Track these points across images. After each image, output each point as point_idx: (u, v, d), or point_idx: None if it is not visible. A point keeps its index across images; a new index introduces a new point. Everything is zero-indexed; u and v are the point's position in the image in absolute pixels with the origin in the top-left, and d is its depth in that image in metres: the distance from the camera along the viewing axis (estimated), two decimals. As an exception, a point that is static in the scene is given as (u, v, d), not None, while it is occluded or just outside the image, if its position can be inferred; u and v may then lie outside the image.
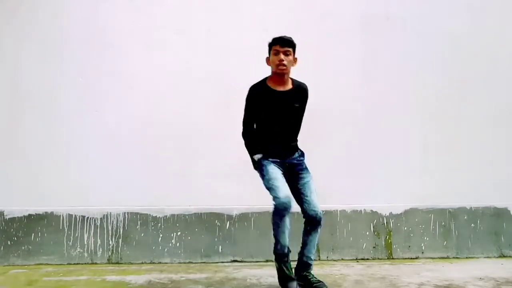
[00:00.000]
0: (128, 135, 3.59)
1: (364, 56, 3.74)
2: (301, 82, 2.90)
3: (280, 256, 2.75)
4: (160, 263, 3.52)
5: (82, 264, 3.50)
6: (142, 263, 3.51)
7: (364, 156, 3.67)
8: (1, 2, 3.65)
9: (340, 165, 3.65)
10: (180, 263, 3.51)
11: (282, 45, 2.76)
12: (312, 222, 2.77)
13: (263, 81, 2.82)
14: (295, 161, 2.85)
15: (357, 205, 3.65)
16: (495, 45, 3.80)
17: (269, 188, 2.70)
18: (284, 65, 2.74)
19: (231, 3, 3.72)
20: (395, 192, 3.66)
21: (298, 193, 2.80)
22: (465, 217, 3.70)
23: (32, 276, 3.17)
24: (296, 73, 3.66)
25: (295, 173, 2.83)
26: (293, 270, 2.76)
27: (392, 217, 3.67)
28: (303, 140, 3.63)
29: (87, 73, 3.63)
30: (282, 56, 2.73)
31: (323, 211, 3.59)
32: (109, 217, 3.56)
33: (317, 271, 3.26)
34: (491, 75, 3.79)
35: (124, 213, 3.56)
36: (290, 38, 2.81)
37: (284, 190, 2.67)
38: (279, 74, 2.77)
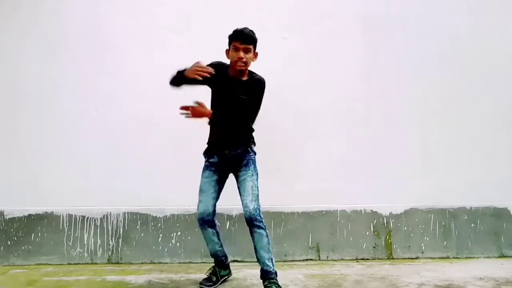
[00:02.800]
0: (128, 135, 3.59)
1: (364, 56, 3.74)
2: (258, 76, 2.79)
3: (213, 259, 2.96)
4: (160, 263, 3.52)
5: (82, 264, 3.50)
6: (142, 263, 3.51)
7: (364, 156, 3.67)
8: (1, 2, 3.65)
9: (340, 165, 3.65)
10: (180, 263, 3.51)
11: (242, 42, 2.69)
12: (247, 222, 2.71)
13: (228, 65, 2.79)
14: (238, 156, 2.76)
15: (357, 205, 3.65)
16: (495, 45, 3.80)
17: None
18: (243, 62, 2.70)
19: (231, 3, 3.72)
20: (395, 192, 3.66)
21: (239, 191, 2.79)
22: (465, 217, 3.70)
23: (32, 276, 3.17)
24: (296, 73, 3.69)
25: (236, 170, 2.79)
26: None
27: (392, 217, 3.67)
28: (303, 141, 3.66)
29: (87, 73, 3.63)
30: (241, 54, 2.68)
31: (323, 211, 3.63)
32: (109, 217, 3.56)
33: (317, 271, 3.27)
34: (491, 75, 3.79)
35: (124, 213, 3.56)
36: (252, 33, 2.73)
37: (204, 203, 2.79)
38: (237, 70, 2.73)
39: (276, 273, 2.74)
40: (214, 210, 2.83)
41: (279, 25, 3.72)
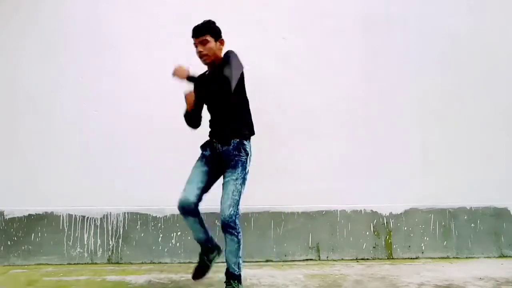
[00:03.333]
0: (128, 135, 3.59)
1: (364, 56, 3.74)
2: (224, 56, 2.66)
3: (200, 247, 2.85)
4: (160, 263, 3.52)
5: (82, 264, 3.50)
6: (142, 263, 3.51)
7: (364, 156, 3.67)
8: (1, 2, 3.65)
9: (340, 165, 3.65)
10: (180, 263, 3.51)
11: (196, 36, 2.68)
12: (221, 226, 2.62)
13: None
14: (227, 153, 2.66)
15: (357, 205, 3.65)
16: (495, 45, 3.80)
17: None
18: (205, 55, 2.66)
19: (231, 3, 3.72)
20: (395, 192, 3.66)
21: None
22: (465, 217, 3.70)
23: (32, 276, 3.17)
24: (296, 72, 3.69)
25: (224, 168, 2.69)
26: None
27: (392, 217, 3.67)
28: (303, 141, 3.66)
29: (87, 73, 3.63)
30: (199, 48, 2.66)
31: (323, 211, 3.63)
32: (109, 217, 3.56)
33: (317, 271, 3.27)
34: (491, 75, 3.79)
35: (124, 213, 3.56)
36: (204, 23, 2.70)
37: (186, 192, 2.68)
38: (207, 64, 2.70)
39: (239, 276, 2.68)
40: (198, 201, 2.71)
41: (279, 25, 3.72)
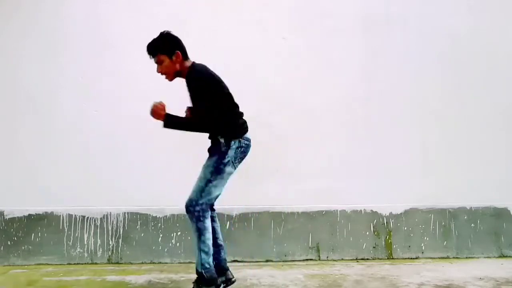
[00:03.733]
0: (128, 135, 3.59)
1: (364, 56, 3.74)
2: (189, 70, 2.64)
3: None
4: (160, 263, 3.52)
5: (82, 264, 3.50)
6: (142, 263, 3.51)
7: (364, 156, 3.67)
8: (1, 2, 3.65)
9: (340, 165, 3.66)
10: (180, 263, 3.51)
11: (151, 56, 2.64)
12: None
13: None
14: (210, 149, 2.70)
15: (357, 205, 3.65)
16: (495, 45, 3.80)
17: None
18: (163, 73, 2.65)
19: (231, 3, 3.72)
20: (395, 192, 3.66)
21: None
22: (465, 217, 3.70)
23: (32, 276, 3.17)
24: (296, 72, 3.68)
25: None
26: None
27: (392, 217, 3.67)
28: (303, 141, 3.66)
29: (87, 73, 3.63)
30: (158, 68, 2.65)
31: (323, 211, 3.63)
32: (109, 217, 3.56)
33: (317, 271, 3.27)
34: (491, 75, 3.79)
35: (124, 213, 3.56)
36: (152, 42, 2.63)
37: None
38: (171, 80, 2.67)
39: (202, 275, 2.59)
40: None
41: (279, 25, 3.72)
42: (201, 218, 2.57)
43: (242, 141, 2.67)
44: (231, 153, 2.62)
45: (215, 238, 2.69)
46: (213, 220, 2.72)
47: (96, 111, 3.62)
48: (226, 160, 2.61)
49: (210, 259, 2.59)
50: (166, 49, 2.63)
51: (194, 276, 3.15)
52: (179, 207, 3.51)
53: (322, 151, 3.66)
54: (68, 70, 3.62)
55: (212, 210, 2.75)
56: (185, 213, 2.62)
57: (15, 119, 3.59)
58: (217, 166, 2.60)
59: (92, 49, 3.64)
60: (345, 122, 3.71)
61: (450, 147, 3.73)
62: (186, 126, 2.65)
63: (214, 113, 2.58)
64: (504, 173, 3.72)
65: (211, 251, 2.60)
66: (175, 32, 3.71)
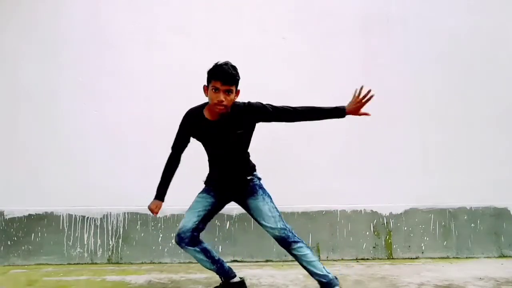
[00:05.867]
0: (128, 135, 3.59)
1: (364, 56, 3.74)
2: (239, 105, 2.55)
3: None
4: (160, 263, 3.52)
5: (82, 264, 3.50)
6: (142, 263, 3.51)
7: (364, 156, 3.67)
8: (1, 2, 3.65)
9: (340, 165, 3.66)
10: (180, 263, 3.51)
11: (223, 83, 2.39)
12: (278, 242, 2.56)
13: (200, 108, 2.58)
14: (240, 186, 2.63)
15: (357, 205, 3.66)
16: (495, 45, 3.80)
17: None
18: (223, 105, 2.42)
19: (231, 3, 3.72)
20: (395, 192, 3.66)
21: (255, 220, 2.63)
22: (465, 217, 3.70)
23: (32, 276, 3.17)
24: (296, 72, 3.68)
25: (242, 198, 2.64)
26: None
27: (392, 217, 3.67)
28: (303, 141, 3.66)
29: (87, 73, 3.63)
30: (221, 96, 2.39)
31: (323, 211, 3.63)
32: (109, 217, 3.56)
33: (317, 271, 3.27)
34: (491, 75, 3.79)
35: (124, 213, 3.56)
36: (235, 72, 2.44)
37: (183, 221, 2.61)
38: (216, 112, 2.49)
39: (332, 280, 2.54)
40: (196, 228, 2.62)
41: (279, 25, 3.72)
42: (301, 239, 2.59)
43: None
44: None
45: (212, 256, 2.66)
46: (200, 243, 2.67)
47: (96, 111, 3.62)
48: (265, 189, 2.70)
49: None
50: (237, 84, 2.50)
51: (194, 276, 3.16)
52: (179, 207, 3.53)
53: (322, 151, 3.66)
54: (68, 70, 3.62)
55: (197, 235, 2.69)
56: (282, 244, 2.57)
57: (15, 119, 3.59)
58: (268, 194, 2.67)
59: (92, 49, 3.64)
60: (345, 122, 3.69)
61: (450, 147, 3.73)
62: None
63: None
64: (504, 173, 3.72)
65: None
66: (175, 32, 3.73)
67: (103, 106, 3.61)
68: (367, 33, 3.75)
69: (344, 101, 3.71)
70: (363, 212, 3.66)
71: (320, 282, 2.54)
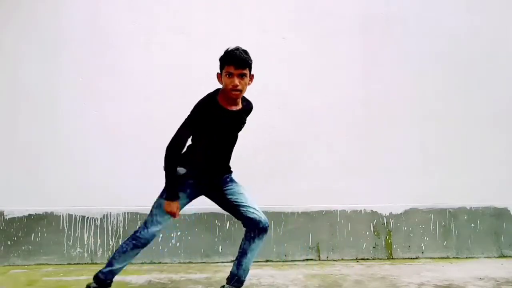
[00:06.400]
0: (128, 135, 3.59)
1: (364, 56, 3.74)
2: (248, 100, 2.65)
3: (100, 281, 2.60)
4: (160, 263, 3.52)
5: (82, 264, 3.50)
6: (142, 263, 3.50)
7: (364, 156, 3.67)
8: (1, 2, 3.64)
9: (340, 165, 3.65)
10: (180, 263, 3.51)
11: (236, 67, 2.39)
12: (257, 226, 2.58)
13: (214, 97, 2.51)
14: (222, 180, 2.64)
15: (357, 205, 3.66)
16: (495, 45, 3.80)
17: (150, 214, 2.59)
18: (238, 90, 2.41)
19: (231, 3, 3.72)
20: (395, 192, 3.66)
21: (233, 205, 2.61)
22: (465, 217, 3.70)
23: (32, 276, 3.17)
24: (296, 72, 3.69)
25: (221, 189, 2.63)
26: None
27: (392, 217, 3.67)
28: (303, 141, 3.66)
29: (87, 73, 3.63)
30: (236, 81, 2.39)
31: (323, 211, 3.63)
32: (109, 217, 3.56)
33: (317, 271, 3.28)
34: (491, 75, 3.79)
35: (124, 213, 3.56)
36: (247, 56, 2.44)
37: (151, 229, 2.57)
38: (232, 98, 2.47)
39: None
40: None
41: (279, 25, 3.72)
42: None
43: None
44: None
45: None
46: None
47: (96, 111, 3.62)
48: None
49: None
50: (251, 67, 2.49)
51: (194, 276, 3.16)
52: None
53: (322, 151, 3.66)
54: (68, 70, 3.62)
55: None
56: (257, 231, 2.63)
57: (15, 119, 3.59)
58: None
59: (92, 49, 3.63)
60: (345, 122, 3.71)
61: (450, 147, 3.73)
62: None
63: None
64: (504, 173, 3.72)
65: None
66: (175, 32, 3.73)
67: (103, 106, 3.61)
68: (367, 33, 3.75)
69: (344, 100, 3.72)
70: (363, 212, 3.66)
71: (236, 276, 2.58)
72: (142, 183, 3.54)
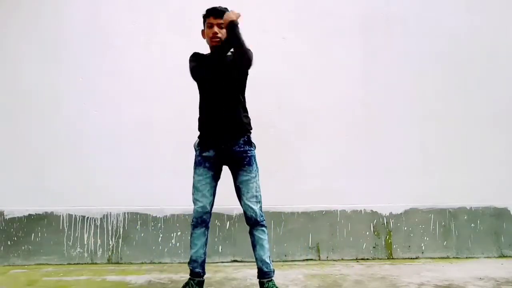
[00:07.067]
0: (128, 135, 3.59)
1: (364, 56, 3.74)
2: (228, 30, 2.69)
3: (190, 273, 2.71)
4: (160, 263, 3.52)
5: (82, 264, 3.50)
6: (142, 263, 3.51)
7: (364, 156, 3.67)
8: (1, 2, 3.65)
9: (340, 165, 3.65)
10: (180, 263, 3.50)
11: (215, 17, 2.63)
12: (248, 223, 2.67)
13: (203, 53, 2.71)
14: (237, 151, 2.62)
15: (357, 205, 3.66)
16: (495, 45, 3.80)
17: (192, 195, 2.69)
18: (218, 37, 2.61)
19: (231, 3, 3.70)
20: (395, 192, 3.66)
21: (238, 191, 2.68)
22: (465, 217, 3.70)
23: (32, 276, 3.17)
24: (296, 72, 3.69)
25: (236, 167, 2.65)
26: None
27: (392, 217, 3.67)
28: (303, 141, 3.66)
29: (87, 73, 3.63)
30: (215, 29, 2.61)
31: (323, 211, 3.63)
32: (109, 217, 3.56)
33: (317, 271, 3.27)
34: (491, 75, 3.79)
35: (124, 213, 3.56)
36: (224, 8, 2.66)
37: (201, 205, 2.65)
38: (215, 47, 2.63)
39: (273, 271, 2.69)
40: (211, 209, 2.70)
41: (279, 25, 3.72)
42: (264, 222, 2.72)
43: None
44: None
45: (206, 245, 2.77)
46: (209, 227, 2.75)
47: (96, 111, 3.62)
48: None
49: None
50: None
51: (194, 276, 3.15)
52: (179, 207, 3.54)
53: (322, 151, 3.66)
54: (68, 70, 3.62)
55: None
56: (252, 225, 2.67)
57: (15, 119, 3.59)
58: (258, 171, 2.72)
59: (92, 49, 3.64)
60: (345, 122, 3.71)
61: (450, 147, 3.73)
62: (242, 42, 2.56)
63: (244, 97, 2.74)
64: (504, 173, 3.72)
65: None
66: (175, 32, 3.73)
67: (103, 106, 3.61)
68: (367, 33, 3.75)
69: (344, 101, 3.72)
70: (363, 212, 3.66)
71: (260, 269, 2.65)
72: (142, 183, 3.55)
